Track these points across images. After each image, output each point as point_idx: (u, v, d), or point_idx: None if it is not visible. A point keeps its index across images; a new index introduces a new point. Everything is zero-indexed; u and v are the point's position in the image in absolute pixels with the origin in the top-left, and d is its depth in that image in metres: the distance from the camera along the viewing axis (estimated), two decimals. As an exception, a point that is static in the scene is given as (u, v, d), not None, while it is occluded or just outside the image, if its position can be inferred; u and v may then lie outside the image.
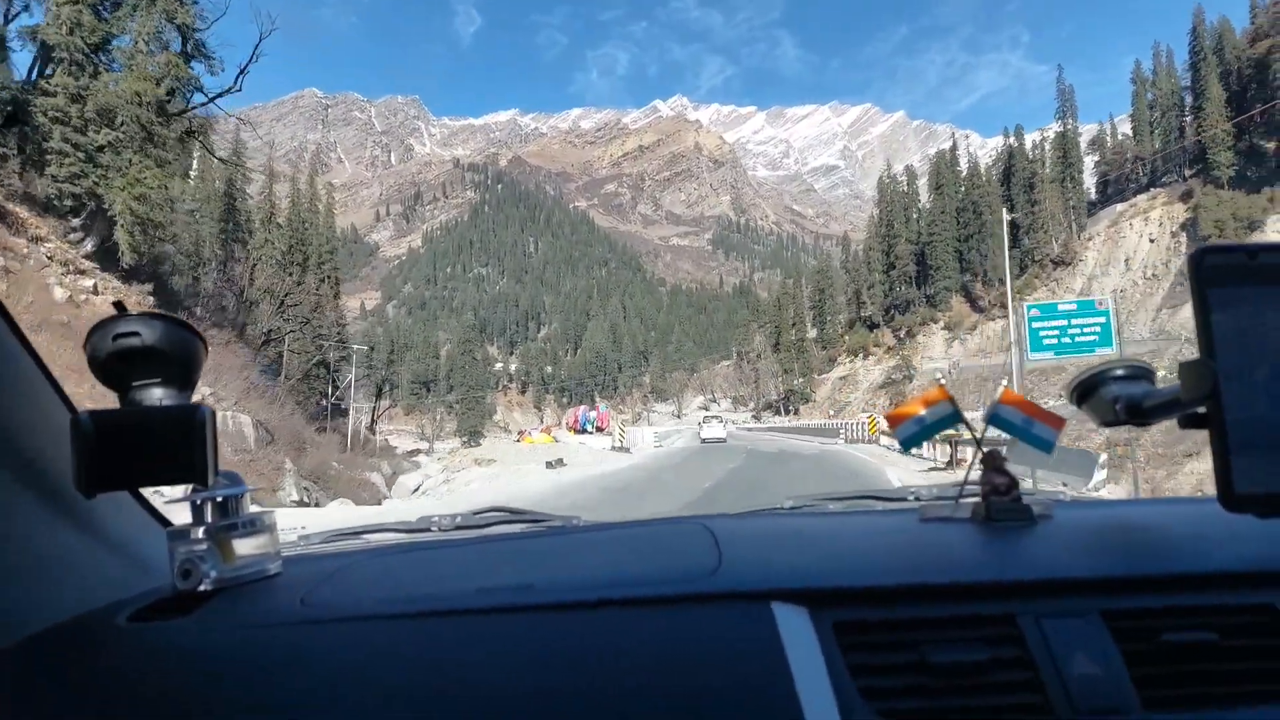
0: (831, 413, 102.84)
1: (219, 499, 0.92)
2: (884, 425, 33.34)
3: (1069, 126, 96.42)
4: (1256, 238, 69.09)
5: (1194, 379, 0.68)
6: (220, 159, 33.29)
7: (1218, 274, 0.67)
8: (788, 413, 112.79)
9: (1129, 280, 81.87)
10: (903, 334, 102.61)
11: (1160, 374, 0.77)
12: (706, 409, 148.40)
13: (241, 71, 18.53)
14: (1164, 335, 71.59)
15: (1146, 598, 0.79)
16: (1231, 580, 0.81)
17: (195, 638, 0.82)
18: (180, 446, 0.81)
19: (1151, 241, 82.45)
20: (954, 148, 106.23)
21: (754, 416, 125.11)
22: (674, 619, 0.79)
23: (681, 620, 0.79)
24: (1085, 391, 0.94)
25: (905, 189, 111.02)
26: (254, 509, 0.97)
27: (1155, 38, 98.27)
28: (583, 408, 47.07)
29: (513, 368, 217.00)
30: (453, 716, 0.72)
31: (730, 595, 0.81)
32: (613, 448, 36.71)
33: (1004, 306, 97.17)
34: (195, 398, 0.88)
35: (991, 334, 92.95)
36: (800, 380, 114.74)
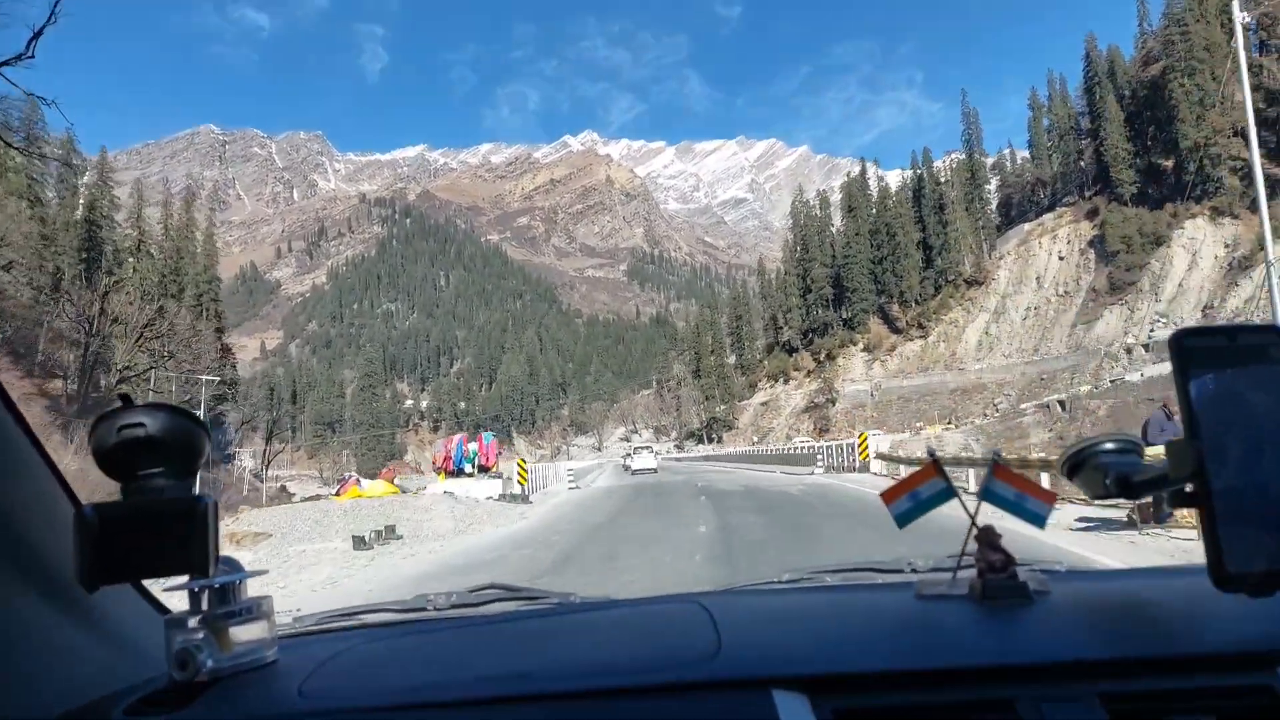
0: (755, 439, 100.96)
1: (217, 586, 0.92)
2: (874, 447, 29.75)
3: (975, 150, 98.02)
4: (1162, 252, 70.23)
5: (1180, 459, 0.69)
6: (14, 145, 28.50)
7: (1198, 355, 0.68)
8: (710, 440, 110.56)
9: (1041, 298, 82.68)
10: (822, 357, 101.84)
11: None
12: (629, 440, 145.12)
13: (35, 35, 14.43)
14: (1081, 350, 72.01)
15: (1145, 680, 0.79)
16: (1230, 662, 0.81)
17: None
18: (183, 537, 0.82)
19: (1061, 259, 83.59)
20: (864, 172, 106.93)
21: (677, 446, 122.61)
22: (675, 707, 0.79)
23: (682, 708, 0.79)
24: (1075, 465, 0.95)
25: (819, 213, 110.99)
26: (251, 595, 0.98)
27: (1048, 67, 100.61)
28: (458, 437, 31.45)
29: (424, 404, 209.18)
30: None
31: (731, 683, 0.81)
32: (501, 497, 24.93)
33: (921, 326, 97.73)
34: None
35: (910, 354, 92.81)
36: (722, 407, 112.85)
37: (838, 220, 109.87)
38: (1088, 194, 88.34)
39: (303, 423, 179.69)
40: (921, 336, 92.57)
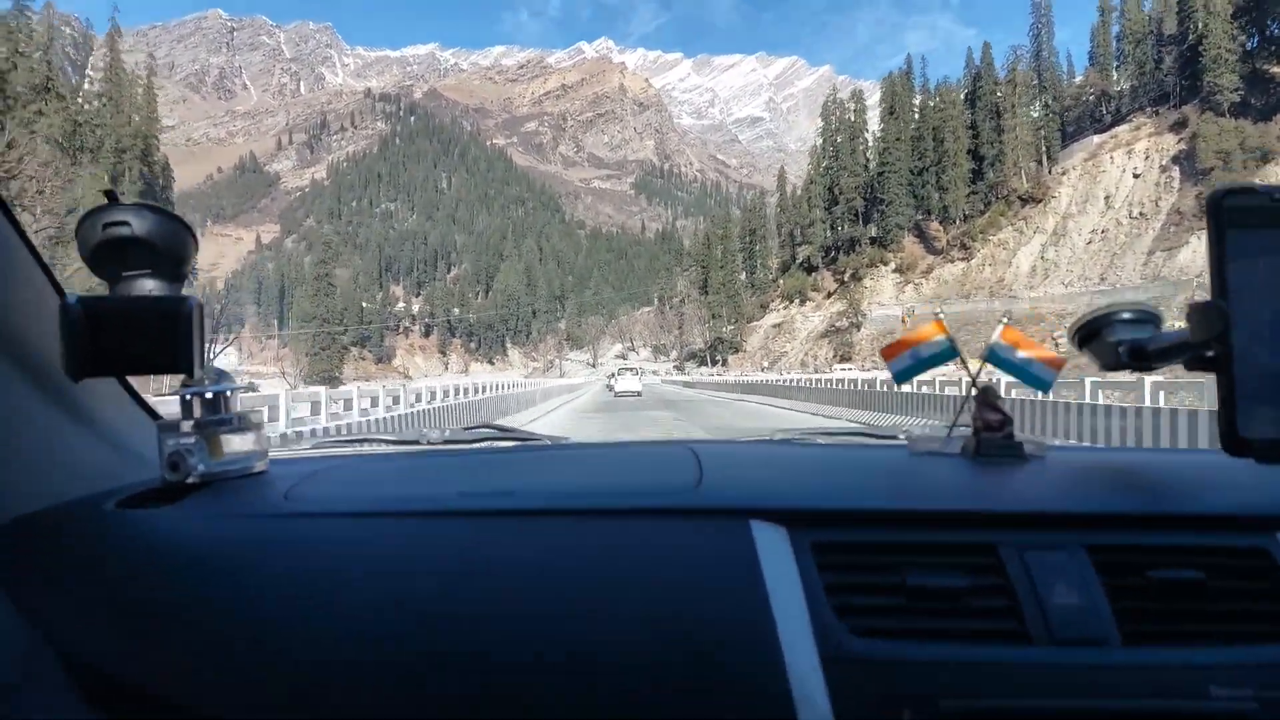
0: (765, 364, 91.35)
1: (208, 395, 0.93)
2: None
3: (1044, 46, 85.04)
4: (1271, 170, 58.91)
5: (1204, 320, 0.67)
6: None
7: (1238, 216, 0.65)
8: (714, 363, 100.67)
9: (1111, 219, 71.45)
10: (846, 277, 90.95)
11: (1174, 325, 0.76)
12: (624, 358, 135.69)
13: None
14: (1161, 280, 61.26)
15: (1134, 534, 0.79)
16: (1225, 522, 0.80)
17: (180, 525, 0.84)
18: (169, 337, 0.82)
19: (1136, 176, 72.01)
20: (909, 70, 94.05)
21: (676, 367, 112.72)
22: (652, 531, 0.80)
23: (659, 533, 0.79)
24: (1088, 334, 0.92)
25: (852, 115, 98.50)
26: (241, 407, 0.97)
27: None
28: None
29: (415, 309, 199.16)
30: (428, 612, 0.73)
31: (709, 511, 0.82)
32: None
33: (964, 247, 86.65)
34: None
35: (949, 278, 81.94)
36: (730, 327, 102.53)
37: (873, 125, 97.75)
38: (1170, 105, 76.24)
39: (291, 318, 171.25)
40: (964, 258, 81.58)
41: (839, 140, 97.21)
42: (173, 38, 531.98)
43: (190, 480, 0.91)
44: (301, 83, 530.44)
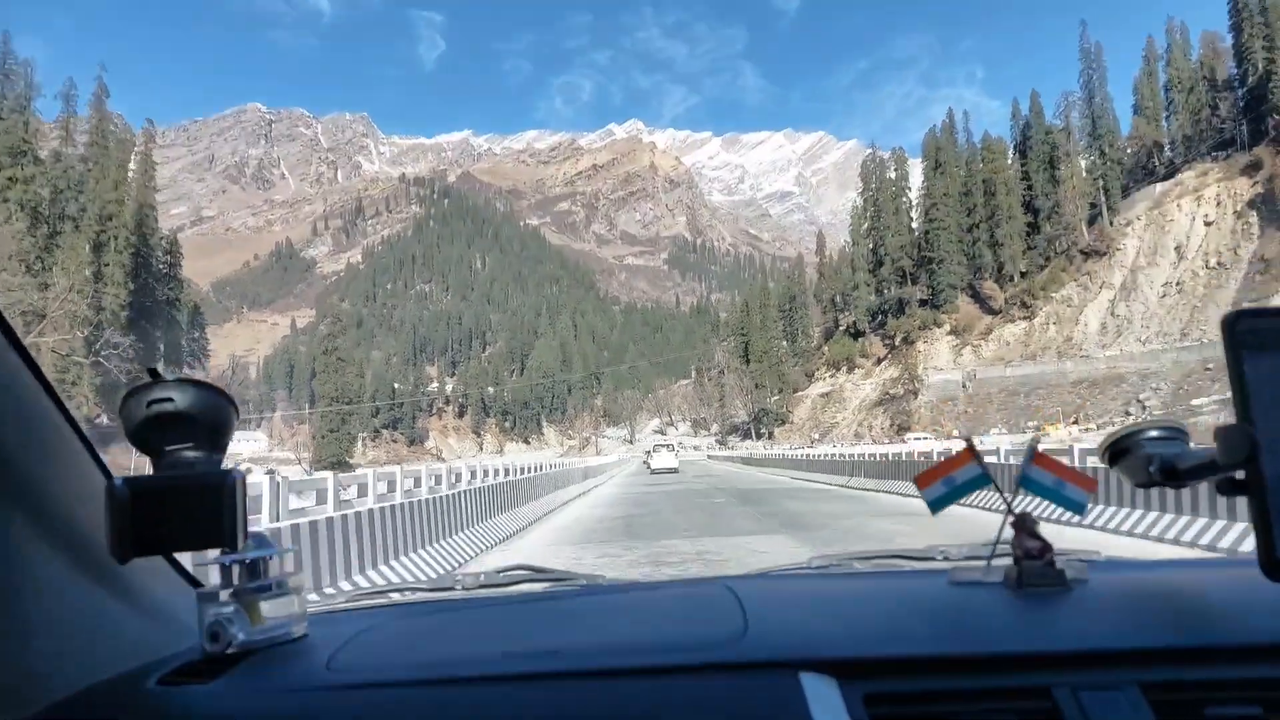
0: (815, 436, 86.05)
1: (248, 561, 0.94)
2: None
3: (1095, 92, 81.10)
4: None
5: (1231, 443, 0.66)
6: None
7: (1252, 338, 0.66)
8: (759, 436, 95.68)
9: (1185, 271, 66.14)
10: (897, 341, 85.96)
11: None
12: (663, 433, 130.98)
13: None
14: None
15: (1187, 669, 0.76)
16: (1275, 652, 0.78)
17: (224, 702, 0.83)
18: (213, 511, 0.83)
19: (1209, 224, 66.90)
20: (952, 123, 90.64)
21: (718, 441, 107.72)
22: (701, 687, 0.78)
23: (709, 689, 0.77)
24: (1118, 452, 0.93)
25: (893, 174, 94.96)
26: (281, 572, 0.99)
27: (1167, 13, 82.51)
28: None
29: (449, 389, 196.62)
30: None
31: (758, 665, 0.79)
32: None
33: (1025, 305, 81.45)
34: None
35: (1010, 338, 76.62)
36: (775, 398, 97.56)
37: (914, 183, 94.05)
38: (1233, 149, 71.60)
39: (319, 403, 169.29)
40: (1025, 317, 76.37)
41: (880, 200, 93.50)
42: (212, 131, 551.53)
43: (230, 650, 0.91)
44: (339, 171, 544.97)
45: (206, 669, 0.89)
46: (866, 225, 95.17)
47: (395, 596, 1.46)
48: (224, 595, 0.93)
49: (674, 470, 41.75)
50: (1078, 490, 1.03)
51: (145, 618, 0.99)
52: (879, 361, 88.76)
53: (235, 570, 0.94)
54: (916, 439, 55.99)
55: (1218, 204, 67.43)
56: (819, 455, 35.98)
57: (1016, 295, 77.46)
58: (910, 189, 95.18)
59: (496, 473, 20.02)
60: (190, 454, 0.86)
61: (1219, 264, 64.08)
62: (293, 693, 0.84)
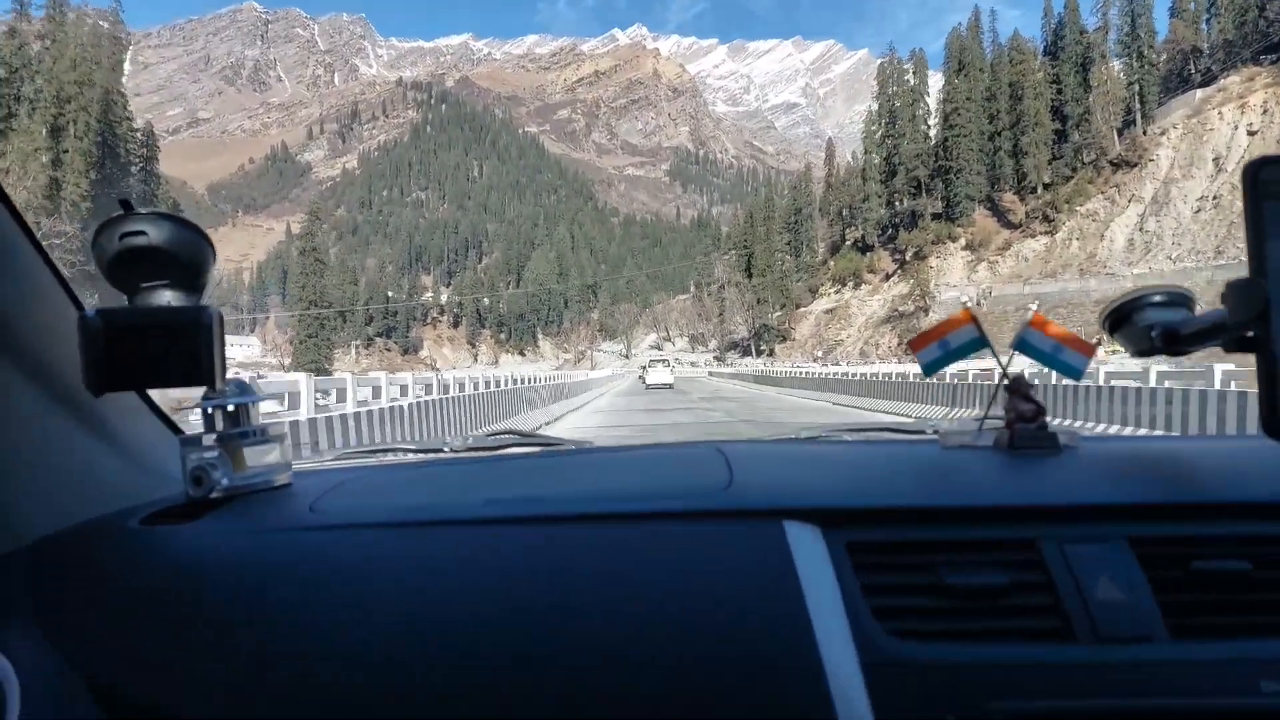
0: (819, 354, 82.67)
1: (230, 407, 0.93)
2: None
3: (1137, -15, 74.62)
4: None
5: (1244, 300, 0.65)
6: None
7: (1275, 188, 0.63)
8: (759, 353, 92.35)
9: (1224, 184, 61.49)
10: (908, 256, 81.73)
11: None
12: (659, 348, 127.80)
13: None
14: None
15: (1177, 525, 0.77)
16: (1269, 511, 0.78)
17: (206, 541, 0.83)
18: (189, 348, 0.81)
19: (1253, 134, 61.96)
20: (976, 22, 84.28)
21: (716, 358, 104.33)
22: (684, 534, 0.78)
23: (692, 536, 0.78)
24: (1119, 319, 0.91)
25: (913, 79, 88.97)
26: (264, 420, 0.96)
27: None
28: None
29: (443, 299, 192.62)
30: (459, 622, 0.72)
31: (742, 512, 0.80)
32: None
33: (1046, 220, 76.77)
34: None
35: (1030, 254, 72.27)
36: (778, 313, 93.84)
37: (931, 94, 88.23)
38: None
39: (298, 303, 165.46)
40: (1047, 232, 72.00)
41: (897, 107, 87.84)
42: (208, 31, 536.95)
43: (214, 495, 0.91)
44: (336, 74, 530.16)
45: (189, 512, 0.89)
46: (881, 132, 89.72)
47: (384, 457, 1.47)
48: (207, 440, 0.92)
49: (669, 386, 41.72)
50: (1076, 355, 1.01)
51: (127, 462, 0.99)
52: (888, 277, 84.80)
53: (218, 417, 0.93)
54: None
55: (1264, 111, 62.41)
56: (851, 374, 31.97)
57: (1038, 208, 72.89)
58: (929, 95, 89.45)
59: (504, 381, 19.76)
60: (166, 292, 0.84)
61: (1261, 177, 59.54)
62: (275, 532, 0.84)
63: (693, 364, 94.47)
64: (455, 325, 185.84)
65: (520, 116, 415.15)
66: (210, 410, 0.93)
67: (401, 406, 10.62)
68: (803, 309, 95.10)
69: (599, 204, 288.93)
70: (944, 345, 1.04)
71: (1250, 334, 0.66)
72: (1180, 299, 0.88)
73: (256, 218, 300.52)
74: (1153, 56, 72.80)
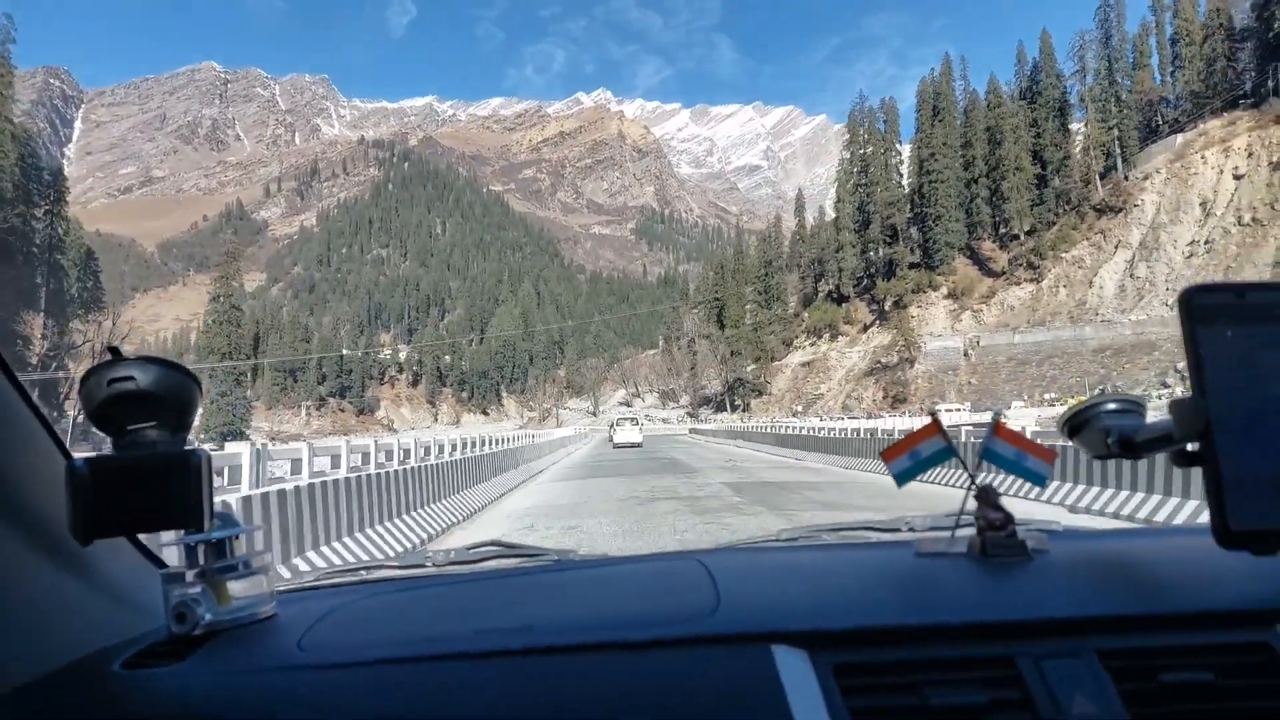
0: (799, 409, 78.79)
1: (213, 540, 0.92)
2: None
3: (1114, 29, 73.56)
4: None
5: (1186, 417, 0.68)
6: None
7: (1208, 313, 0.67)
8: (733, 409, 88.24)
9: (1215, 229, 59.27)
10: (887, 306, 78.59)
11: None
12: (629, 404, 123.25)
13: None
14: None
15: (1143, 636, 0.79)
16: (1228, 619, 0.81)
17: (191, 683, 0.81)
18: (177, 491, 0.81)
19: (1238, 178, 60.10)
20: (948, 70, 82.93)
21: (689, 414, 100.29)
22: (674, 661, 0.79)
23: (681, 662, 0.78)
24: (1077, 425, 0.95)
25: (884, 127, 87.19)
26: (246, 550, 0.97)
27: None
28: None
29: (403, 356, 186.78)
30: None
31: (730, 638, 0.81)
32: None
33: (1031, 267, 74.32)
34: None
35: (1015, 303, 69.41)
36: (752, 366, 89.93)
37: (905, 138, 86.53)
38: (1251, 100, 64.97)
39: (263, 370, 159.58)
40: (1032, 280, 69.43)
41: (869, 154, 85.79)
42: (165, 90, 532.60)
43: (197, 631, 0.89)
44: (296, 134, 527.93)
45: (173, 650, 0.87)
46: (853, 181, 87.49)
47: (365, 575, 1.46)
48: (190, 575, 0.90)
49: (638, 445, 40.49)
50: (1039, 462, 1.06)
51: (108, 600, 0.98)
52: (865, 328, 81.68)
53: (201, 550, 0.92)
54: (949, 408, 48.71)
55: (1249, 155, 60.75)
56: (842, 430, 27.91)
57: (1022, 255, 70.47)
58: (900, 144, 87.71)
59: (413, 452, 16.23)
60: (153, 434, 0.84)
61: (1254, 220, 57.44)
62: (263, 672, 0.83)
63: (664, 420, 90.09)
64: (414, 384, 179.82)
65: (485, 175, 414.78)
66: (193, 544, 0.92)
67: (349, 479, 9.25)
68: (778, 362, 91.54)
69: (565, 261, 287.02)
70: (914, 455, 1.08)
71: (1194, 449, 0.69)
72: (1133, 406, 0.93)
73: (209, 276, 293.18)
74: (1131, 101, 71.42)
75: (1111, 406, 0.92)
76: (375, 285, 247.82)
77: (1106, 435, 0.89)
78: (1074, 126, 74.24)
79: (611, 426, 50.26)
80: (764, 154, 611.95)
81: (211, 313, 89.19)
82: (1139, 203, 65.58)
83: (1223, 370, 0.66)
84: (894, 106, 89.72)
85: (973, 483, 1.04)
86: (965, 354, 65.91)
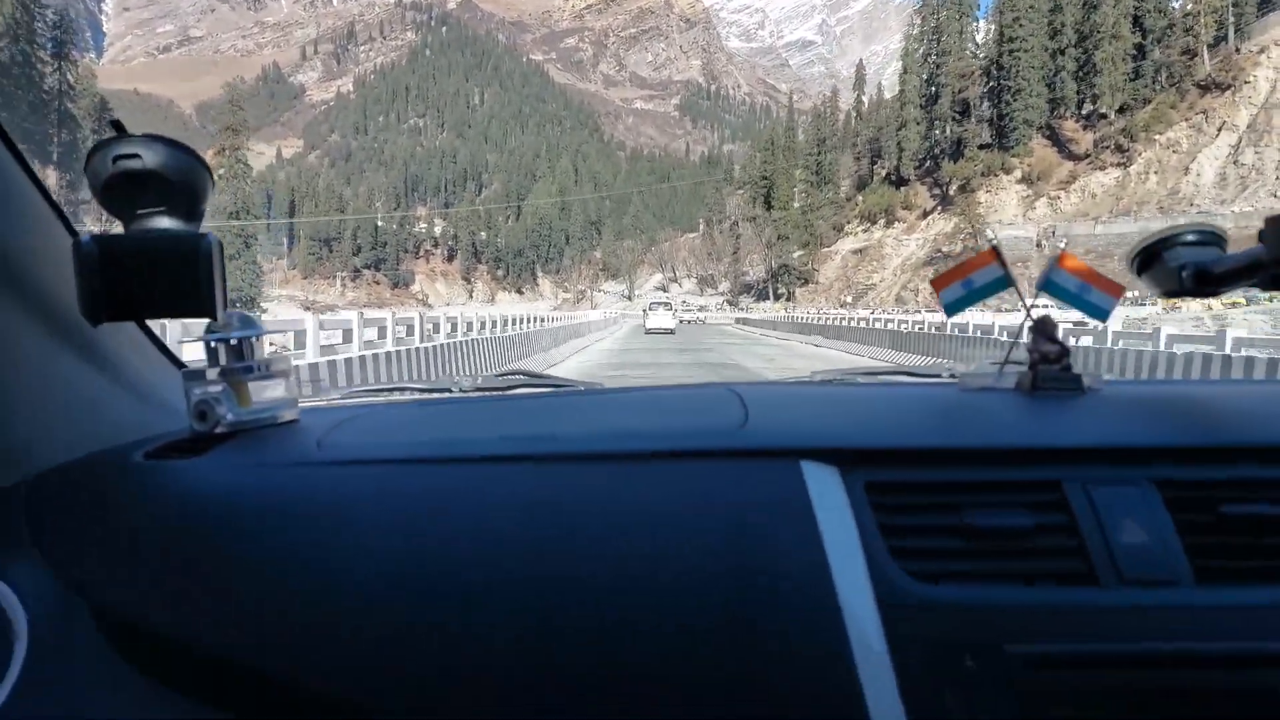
0: (848, 299, 74.13)
1: (233, 341, 0.92)
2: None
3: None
4: None
5: None
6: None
7: None
8: (777, 297, 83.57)
9: (1340, 110, 52.21)
10: (952, 190, 72.37)
11: None
12: (665, 289, 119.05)
13: None
14: None
15: (1204, 468, 0.75)
16: None
17: (210, 476, 0.83)
18: (188, 277, 0.80)
19: (1375, 53, 52.42)
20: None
21: (729, 301, 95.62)
22: (700, 474, 0.77)
23: (707, 475, 0.77)
24: (1148, 258, 0.88)
25: (961, -11, 78.32)
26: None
27: None
28: None
29: (437, 231, 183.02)
30: (469, 560, 0.72)
31: (758, 452, 0.79)
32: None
33: (1120, 150, 66.30)
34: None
35: (1099, 189, 62.89)
36: (800, 253, 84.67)
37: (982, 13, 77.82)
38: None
39: (300, 236, 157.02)
40: (1120, 164, 62.72)
41: (942, 19, 77.49)
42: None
43: (219, 430, 0.90)
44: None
45: (194, 447, 0.89)
46: (923, 49, 79.49)
47: (392, 395, 1.46)
48: (211, 374, 0.91)
49: (670, 331, 38.42)
50: (1103, 295, 1.00)
51: (130, 396, 0.98)
52: (925, 215, 75.75)
53: (221, 350, 0.92)
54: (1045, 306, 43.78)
55: (1390, 27, 52.77)
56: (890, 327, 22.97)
57: (1110, 137, 63.42)
58: (977, 19, 79.07)
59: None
60: (163, 219, 0.82)
61: (1388, 103, 50.24)
62: (281, 467, 0.84)
63: (702, 308, 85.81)
64: (450, 259, 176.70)
65: (525, 43, 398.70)
66: (213, 344, 0.92)
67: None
68: (827, 248, 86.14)
69: (605, 137, 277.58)
70: (968, 284, 1.03)
71: None
72: (1213, 238, 0.86)
73: (246, 141, 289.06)
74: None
75: (1190, 238, 0.85)
76: (411, 156, 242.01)
77: (1181, 269, 0.83)
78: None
79: (645, 311, 48.44)
80: (818, 28, 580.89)
81: (216, 165, 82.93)
82: (1250, 79, 57.97)
83: None
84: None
85: (1028, 314, 0.99)
86: (1038, 244, 60.25)
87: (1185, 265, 0.82)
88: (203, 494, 0.80)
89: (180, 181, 0.81)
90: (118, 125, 0.81)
